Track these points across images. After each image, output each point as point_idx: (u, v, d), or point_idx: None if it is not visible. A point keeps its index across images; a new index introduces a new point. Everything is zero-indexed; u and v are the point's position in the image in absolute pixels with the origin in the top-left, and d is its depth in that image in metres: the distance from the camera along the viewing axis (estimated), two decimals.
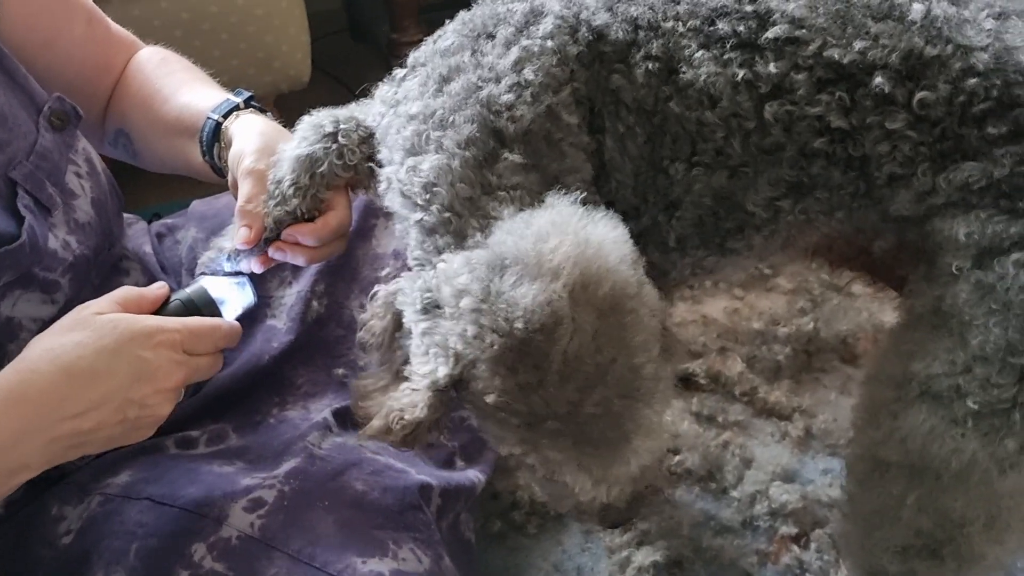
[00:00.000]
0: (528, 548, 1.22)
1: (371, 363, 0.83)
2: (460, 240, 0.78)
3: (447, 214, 0.78)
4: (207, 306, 0.86)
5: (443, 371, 0.72)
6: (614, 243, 0.72)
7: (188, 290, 0.86)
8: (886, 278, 0.92)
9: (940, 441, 0.77)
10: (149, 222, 1.18)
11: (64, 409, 0.75)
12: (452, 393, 0.74)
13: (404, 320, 0.77)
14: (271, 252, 0.89)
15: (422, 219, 0.80)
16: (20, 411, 0.73)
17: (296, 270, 1.09)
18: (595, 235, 0.71)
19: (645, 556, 1.17)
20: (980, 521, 0.80)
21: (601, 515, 0.85)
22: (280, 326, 1.06)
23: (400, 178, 0.82)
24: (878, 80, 0.74)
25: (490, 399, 0.71)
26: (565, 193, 0.75)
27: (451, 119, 0.79)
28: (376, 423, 0.77)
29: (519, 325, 0.68)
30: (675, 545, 1.19)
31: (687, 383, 1.40)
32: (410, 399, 0.74)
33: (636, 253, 0.74)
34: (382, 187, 0.86)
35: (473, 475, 1.07)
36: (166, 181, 1.37)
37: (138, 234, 1.14)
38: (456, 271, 0.72)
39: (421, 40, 0.90)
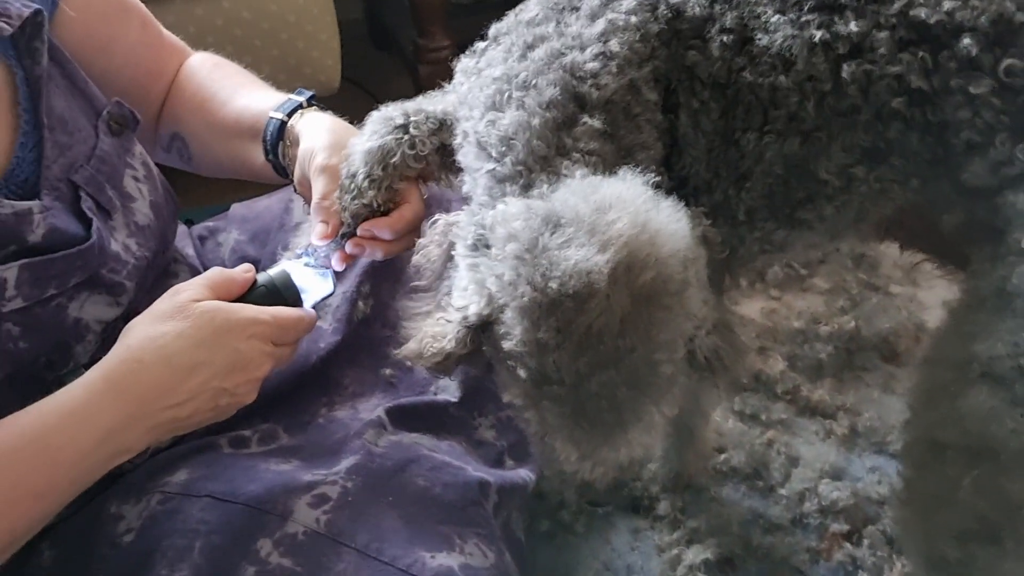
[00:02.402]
0: (577, 547, 1.21)
1: (420, 287, 0.84)
2: (527, 192, 0.78)
3: (520, 167, 0.78)
4: (289, 291, 0.89)
5: (474, 309, 0.73)
6: (671, 235, 0.71)
7: (271, 274, 0.89)
8: (954, 259, 0.92)
9: (1000, 422, 0.76)
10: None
11: (166, 399, 0.79)
12: (478, 334, 0.75)
13: (455, 252, 0.78)
14: (349, 248, 0.91)
15: (495, 169, 0.80)
16: (127, 401, 0.78)
17: (341, 272, 1.10)
18: (654, 221, 0.71)
19: (696, 554, 1.17)
20: None
21: (579, 488, 0.84)
22: (326, 327, 1.07)
23: (478, 129, 0.82)
24: (965, 42, 0.74)
25: (507, 345, 0.71)
26: (639, 171, 0.75)
27: (534, 82, 0.80)
28: (411, 345, 0.79)
29: (553, 285, 0.68)
30: (725, 543, 1.19)
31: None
32: (442, 329, 0.76)
33: (692, 252, 0.73)
34: (457, 140, 0.87)
35: (524, 474, 1.07)
36: (193, 186, 1.38)
37: (180, 237, 1.16)
38: (513, 215, 0.72)
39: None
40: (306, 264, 0.92)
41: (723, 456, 1.30)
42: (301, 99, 1.01)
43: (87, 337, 0.88)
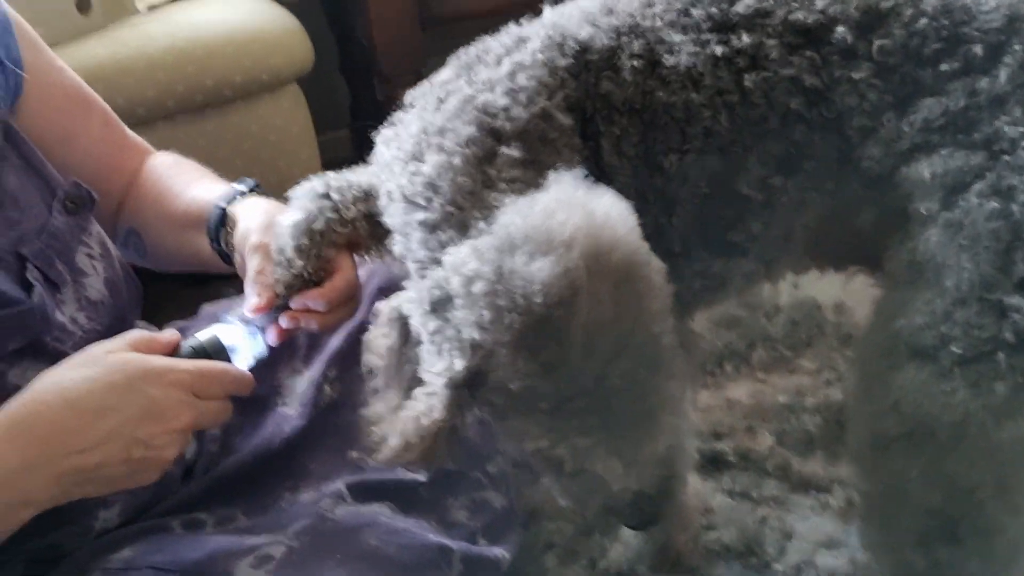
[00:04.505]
0: None
1: (379, 387, 0.82)
2: (463, 233, 0.78)
3: (449, 208, 0.79)
4: (218, 353, 0.87)
5: (460, 364, 0.71)
6: (620, 214, 0.73)
7: (200, 336, 0.88)
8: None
9: (931, 398, 0.75)
10: None
11: (70, 443, 0.76)
12: (467, 394, 0.73)
13: (412, 326, 0.76)
14: (283, 322, 0.91)
15: (425, 217, 0.81)
16: (26, 442, 0.74)
17: (307, 358, 1.11)
18: (601, 207, 0.72)
19: None
20: (989, 485, 0.76)
21: (631, 510, 0.81)
22: (292, 412, 1.06)
23: (401, 183, 0.84)
24: (840, 31, 0.79)
25: (514, 386, 0.70)
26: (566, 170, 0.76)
27: (450, 126, 0.82)
28: (392, 442, 0.75)
29: (538, 300, 0.67)
30: None
31: (716, 463, 1.35)
32: (426, 403, 0.73)
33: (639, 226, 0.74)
34: (382, 202, 0.88)
35: (498, 551, 1.03)
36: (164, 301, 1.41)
37: None
38: (464, 259, 0.72)
39: None
40: (235, 321, 0.91)
41: (714, 534, 1.24)
42: (243, 187, 1.04)
43: None
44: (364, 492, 0.98)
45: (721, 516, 1.27)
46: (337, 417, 1.07)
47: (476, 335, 0.70)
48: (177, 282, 1.35)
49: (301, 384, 1.09)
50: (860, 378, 0.84)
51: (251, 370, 0.91)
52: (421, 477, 1.02)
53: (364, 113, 2.27)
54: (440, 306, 0.73)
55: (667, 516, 1.20)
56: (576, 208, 0.71)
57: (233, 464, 1.03)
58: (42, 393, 0.77)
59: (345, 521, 0.92)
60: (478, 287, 0.70)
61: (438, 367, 0.72)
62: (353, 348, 1.07)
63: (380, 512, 0.96)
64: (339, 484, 0.99)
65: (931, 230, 0.76)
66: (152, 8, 1.85)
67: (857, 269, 0.93)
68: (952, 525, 0.79)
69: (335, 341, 1.11)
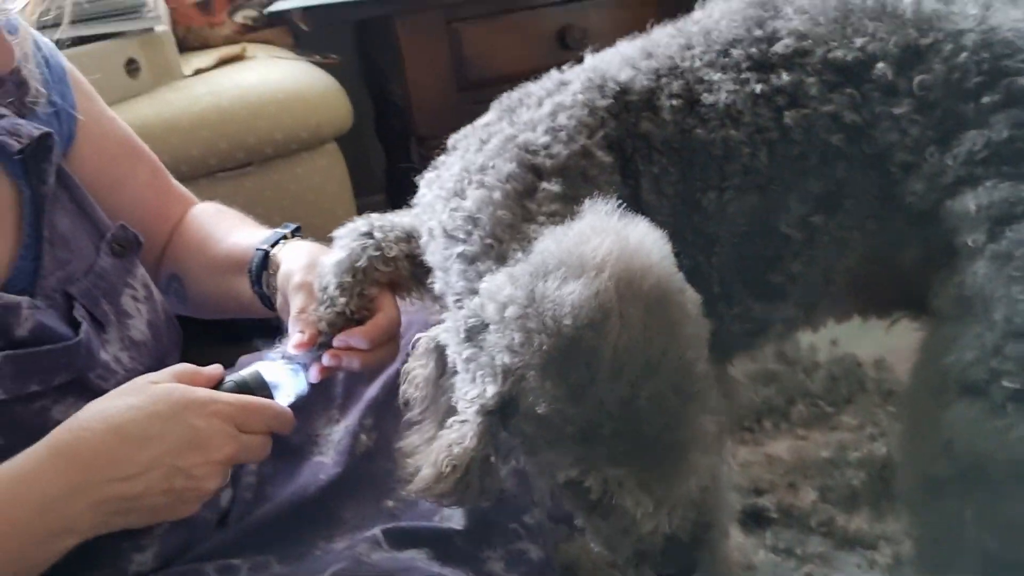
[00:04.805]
0: None
1: (416, 418, 0.82)
2: (502, 264, 0.79)
3: (489, 240, 0.80)
4: (260, 388, 0.88)
5: (491, 390, 0.71)
6: (654, 242, 0.73)
7: (243, 372, 0.89)
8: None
9: (984, 436, 0.72)
10: None
11: (113, 470, 0.76)
12: (499, 423, 0.72)
13: (448, 355, 0.76)
14: (325, 360, 0.91)
15: (464, 250, 0.81)
16: (69, 468, 0.75)
17: (343, 407, 1.11)
18: (635, 234, 0.73)
19: None
20: None
21: (664, 558, 0.78)
22: (328, 460, 1.06)
23: (442, 219, 0.85)
24: (880, 67, 0.79)
25: (541, 409, 0.69)
26: (602, 200, 0.76)
27: (491, 164, 0.83)
28: (425, 471, 0.75)
29: (567, 322, 0.67)
30: None
31: (757, 519, 1.32)
32: (456, 434, 0.73)
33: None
34: (423, 239, 0.89)
35: None
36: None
37: None
38: (499, 286, 0.73)
39: None
40: (279, 360, 0.92)
41: None
42: (286, 231, 1.06)
43: None
44: (400, 539, 0.96)
45: (764, 573, 1.23)
46: (373, 466, 1.06)
47: (507, 359, 0.70)
48: (212, 338, 1.37)
49: (337, 433, 1.08)
50: (909, 419, 0.82)
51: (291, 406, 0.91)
52: (457, 526, 1.00)
53: (399, 178, 2.31)
54: (475, 333, 0.73)
55: (705, 568, 1.17)
56: (610, 234, 0.71)
57: (268, 511, 1.02)
58: (86, 420, 0.77)
59: (381, 566, 0.91)
60: (510, 311, 0.70)
61: (471, 394, 0.73)
62: (389, 397, 1.08)
63: (417, 558, 0.94)
64: (375, 530, 0.97)
65: (978, 263, 0.74)
66: (198, 72, 1.90)
67: (901, 314, 0.92)
68: (1011, 571, 0.75)
69: (372, 390, 1.11)
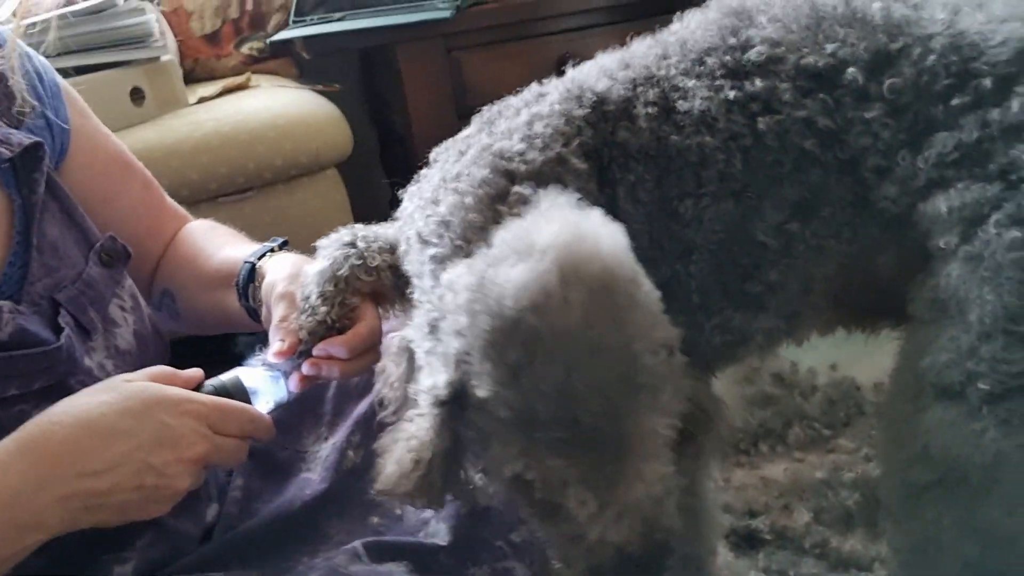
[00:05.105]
0: None
1: (390, 419, 0.81)
2: None
3: (459, 242, 0.80)
4: (239, 393, 0.88)
5: (443, 379, 0.71)
6: (608, 233, 0.72)
7: (223, 377, 0.89)
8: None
9: (961, 439, 0.72)
10: None
11: (81, 465, 0.75)
12: (456, 413, 0.71)
13: (416, 352, 0.76)
14: (305, 369, 0.91)
15: (435, 253, 0.82)
16: (37, 461, 0.74)
17: (332, 424, 1.11)
18: (587, 222, 0.72)
19: None
20: None
21: (619, 570, 0.76)
22: (314, 477, 1.06)
23: (419, 227, 0.85)
24: (851, 71, 0.80)
25: (481, 392, 0.69)
26: (562, 191, 0.76)
27: (467, 171, 0.84)
28: (389, 469, 0.74)
29: (508, 303, 0.67)
30: None
31: (751, 540, 1.30)
32: (415, 427, 0.72)
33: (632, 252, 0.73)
34: (402, 248, 0.89)
35: None
36: None
37: None
38: (457, 276, 0.73)
39: None
40: (259, 365, 0.92)
41: None
42: (273, 244, 1.07)
43: None
44: (381, 552, 0.95)
45: None
46: (359, 482, 1.05)
47: (456, 344, 0.70)
48: (207, 358, 1.38)
49: (325, 450, 1.08)
50: (887, 424, 0.81)
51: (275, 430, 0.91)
52: (442, 542, 1.00)
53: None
54: (435, 326, 0.73)
55: None
56: (560, 220, 0.71)
57: (252, 526, 1.02)
58: (56, 415, 0.77)
59: (359, 574, 0.90)
60: (462, 297, 0.70)
61: (426, 385, 0.72)
62: (375, 413, 1.08)
63: (396, 571, 0.94)
64: (356, 543, 0.97)
65: (951, 265, 0.74)
66: (202, 100, 1.94)
67: (884, 325, 0.91)
68: None
69: (360, 407, 1.11)
